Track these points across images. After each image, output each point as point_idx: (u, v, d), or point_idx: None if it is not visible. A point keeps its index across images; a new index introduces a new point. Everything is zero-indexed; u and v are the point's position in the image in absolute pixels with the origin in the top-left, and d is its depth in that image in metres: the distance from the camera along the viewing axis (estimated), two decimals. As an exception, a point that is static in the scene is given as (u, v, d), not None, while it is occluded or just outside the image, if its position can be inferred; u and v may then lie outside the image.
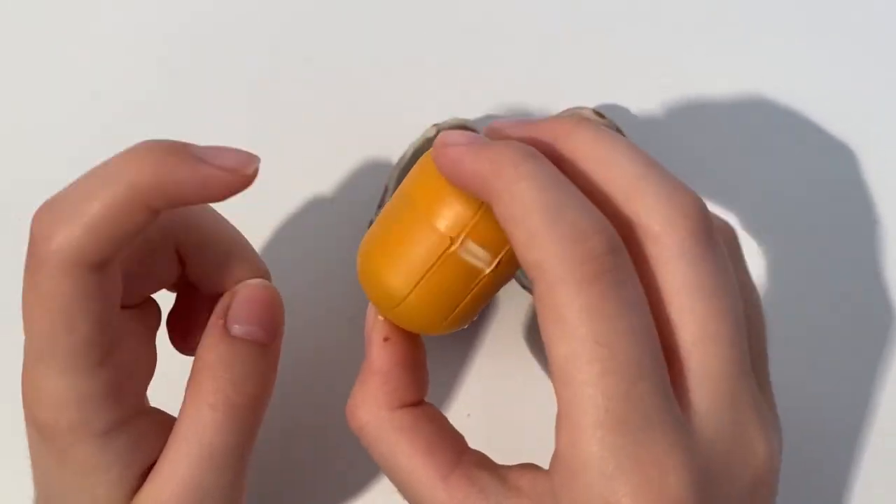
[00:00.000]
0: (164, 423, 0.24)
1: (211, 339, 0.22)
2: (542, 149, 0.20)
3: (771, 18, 0.39)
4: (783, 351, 0.34)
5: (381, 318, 0.23)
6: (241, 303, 0.22)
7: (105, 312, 0.22)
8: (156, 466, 0.23)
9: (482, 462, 0.22)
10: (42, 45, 0.41)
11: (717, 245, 0.20)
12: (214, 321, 0.23)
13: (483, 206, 0.20)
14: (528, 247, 0.18)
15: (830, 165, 0.36)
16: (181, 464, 0.22)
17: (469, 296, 0.22)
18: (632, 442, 0.17)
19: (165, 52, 0.40)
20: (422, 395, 0.23)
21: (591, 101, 0.36)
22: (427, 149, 0.35)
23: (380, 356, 0.23)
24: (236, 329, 0.22)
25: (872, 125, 0.37)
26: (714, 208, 0.36)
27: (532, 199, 0.18)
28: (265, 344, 0.23)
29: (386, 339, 0.23)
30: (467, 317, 0.23)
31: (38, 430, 0.23)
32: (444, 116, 0.35)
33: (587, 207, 0.18)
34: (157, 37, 0.41)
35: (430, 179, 0.21)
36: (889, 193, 0.36)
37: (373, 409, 0.22)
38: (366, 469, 0.33)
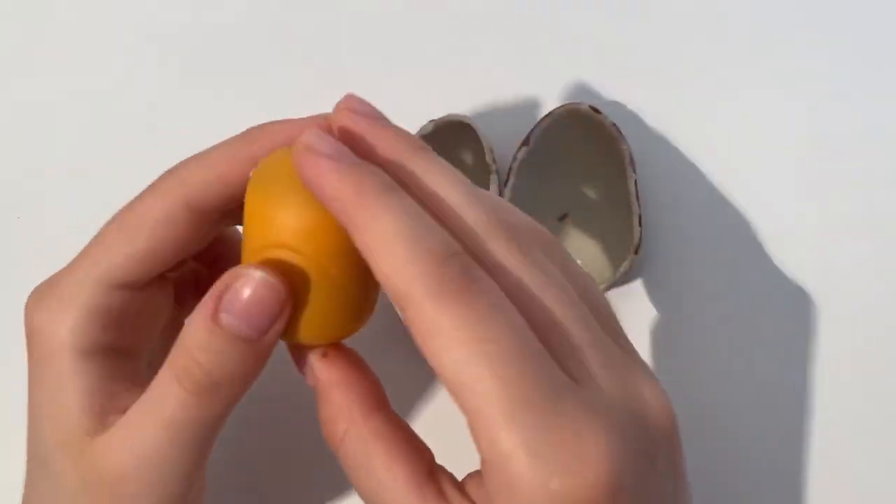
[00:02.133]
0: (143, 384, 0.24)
1: (198, 319, 0.22)
2: (389, 169, 0.21)
3: (771, 16, 0.39)
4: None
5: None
6: (236, 294, 0.21)
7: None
8: (122, 419, 0.23)
9: (450, 478, 0.22)
10: (42, 44, 0.41)
11: (532, 248, 0.21)
12: (206, 302, 0.22)
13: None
14: (394, 276, 0.19)
15: (830, 165, 0.37)
16: (146, 428, 0.23)
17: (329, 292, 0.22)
18: (542, 420, 0.18)
19: (165, 52, 0.40)
20: (385, 401, 0.23)
21: (586, 98, 0.36)
22: (424, 145, 0.35)
23: (329, 370, 0.23)
24: (224, 318, 0.22)
25: (874, 122, 0.37)
26: (710, 202, 0.36)
27: (394, 232, 0.19)
28: (251, 340, 0.22)
29: (324, 356, 0.23)
30: (355, 309, 0.23)
31: (29, 346, 0.25)
32: (440, 112, 0.35)
33: (439, 233, 0.19)
34: (157, 37, 0.41)
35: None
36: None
37: (348, 417, 0.22)
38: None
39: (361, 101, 0.24)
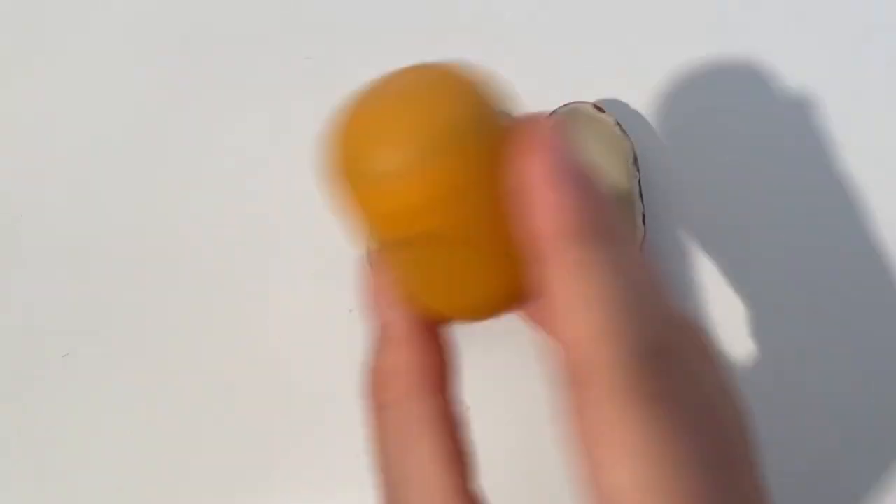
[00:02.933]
0: None
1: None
2: None
3: (771, 17, 0.39)
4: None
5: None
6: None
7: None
8: None
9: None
10: (41, 45, 0.41)
11: None
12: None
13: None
14: (591, 343, 0.16)
15: (831, 165, 0.36)
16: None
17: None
18: None
19: (165, 52, 0.40)
20: (454, 387, 0.20)
21: (590, 96, 0.36)
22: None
23: (411, 320, 0.19)
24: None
25: (874, 122, 0.37)
26: (714, 200, 0.36)
27: (611, 296, 0.16)
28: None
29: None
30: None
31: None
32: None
33: (654, 310, 0.16)
34: (157, 37, 0.41)
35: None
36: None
37: (409, 382, 0.19)
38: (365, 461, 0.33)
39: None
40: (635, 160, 0.34)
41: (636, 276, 0.16)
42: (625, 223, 0.18)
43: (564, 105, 0.34)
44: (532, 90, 0.38)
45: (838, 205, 0.36)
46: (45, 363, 0.35)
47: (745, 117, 0.37)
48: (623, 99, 0.37)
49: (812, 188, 0.36)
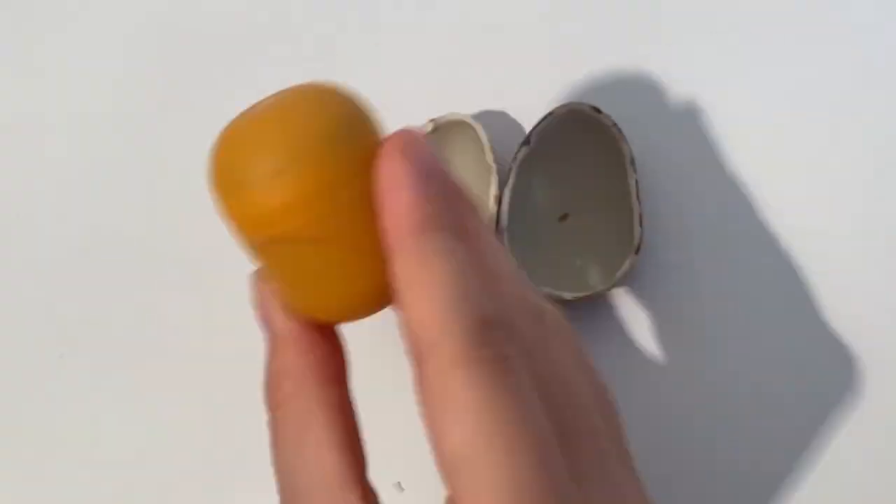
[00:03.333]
0: None
1: None
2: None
3: (771, 17, 0.39)
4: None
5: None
6: None
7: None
8: None
9: (376, 499, 0.20)
10: (40, 45, 0.41)
11: (558, 338, 0.20)
12: None
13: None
14: (427, 319, 0.17)
15: (831, 165, 0.36)
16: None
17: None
18: None
19: (164, 54, 0.40)
20: (345, 380, 0.21)
21: (587, 98, 0.36)
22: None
23: (292, 320, 0.20)
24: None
25: (875, 124, 0.37)
26: (711, 202, 0.36)
27: (449, 277, 0.17)
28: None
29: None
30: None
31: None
32: (440, 112, 0.35)
33: (494, 300, 0.18)
34: (157, 38, 0.41)
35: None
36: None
37: (298, 379, 0.20)
38: (368, 457, 0.33)
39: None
40: (633, 162, 0.34)
41: (475, 263, 0.18)
42: (476, 217, 0.20)
43: (562, 106, 0.35)
44: (531, 89, 0.38)
45: (838, 206, 0.36)
46: (41, 363, 0.35)
47: (744, 119, 0.37)
48: (621, 100, 0.37)
49: (812, 189, 0.36)
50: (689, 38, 0.39)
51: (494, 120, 0.37)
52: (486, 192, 0.34)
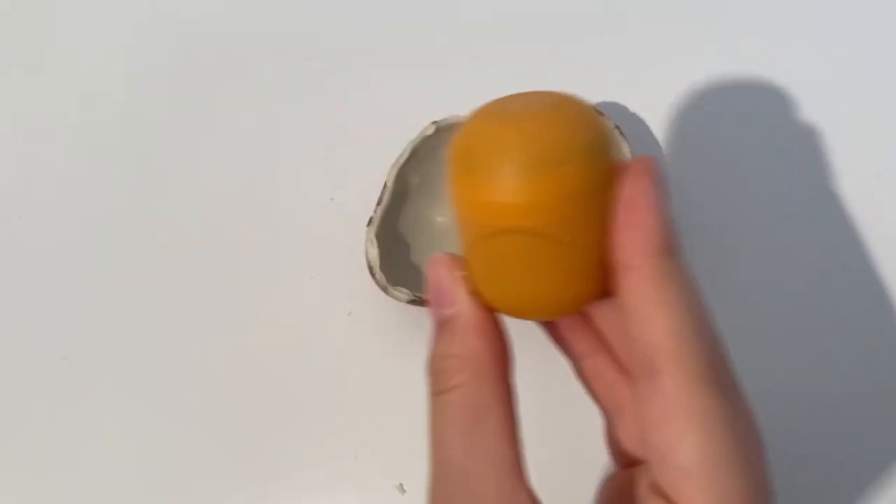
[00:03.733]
0: None
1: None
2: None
3: (771, 19, 0.39)
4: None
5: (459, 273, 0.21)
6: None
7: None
8: None
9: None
10: (39, 47, 0.41)
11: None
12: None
13: None
14: (667, 339, 0.19)
15: (831, 167, 0.37)
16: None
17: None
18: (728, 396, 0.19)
19: (165, 53, 0.40)
20: (513, 379, 0.21)
21: (589, 99, 0.36)
22: (426, 147, 0.35)
23: (480, 310, 0.21)
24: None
25: (876, 126, 0.37)
26: (713, 204, 0.36)
27: (689, 308, 0.19)
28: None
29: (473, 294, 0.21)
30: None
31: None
32: (442, 114, 0.35)
33: (714, 333, 0.20)
34: (157, 39, 0.41)
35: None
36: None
37: (478, 368, 0.20)
38: (370, 459, 0.33)
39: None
40: (634, 164, 0.34)
41: (701, 293, 0.20)
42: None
43: (564, 108, 0.35)
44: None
45: (837, 207, 0.36)
46: (43, 365, 0.35)
47: (744, 121, 0.37)
48: (622, 102, 0.37)
49: (811, 191, 0.36)
50: (691, 40, 0.39)
51: (496, 122, 0.37)
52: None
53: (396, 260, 0.34)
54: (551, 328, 0.24)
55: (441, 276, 0.22)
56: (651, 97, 0.37)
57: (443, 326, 0.21)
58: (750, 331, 0.34)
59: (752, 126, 0.37)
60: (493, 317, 0.21)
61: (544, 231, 0.19)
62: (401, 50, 0.39)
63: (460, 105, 0.37)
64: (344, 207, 0.37)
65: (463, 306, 0.21)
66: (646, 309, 0.19)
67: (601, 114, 0.34)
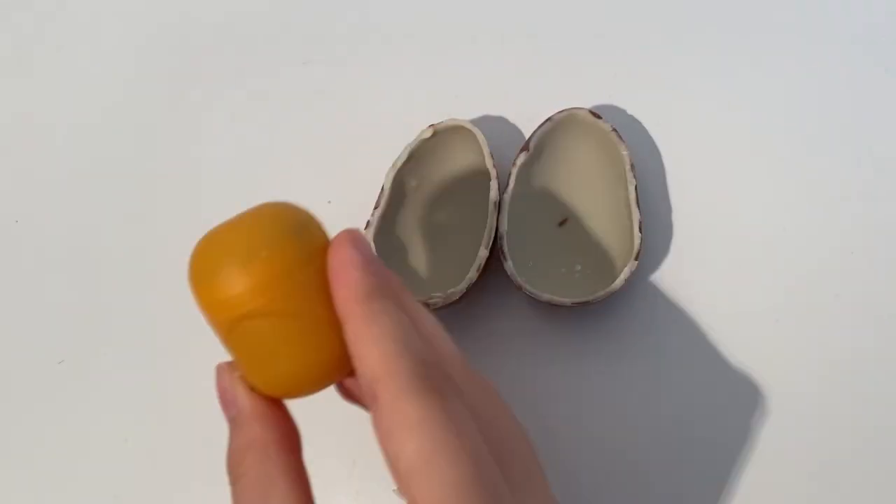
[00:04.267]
0: None
1: None
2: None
3: (771, 21, 0.39)
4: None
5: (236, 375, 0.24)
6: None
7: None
8: None
9: None
10: (38, 48, 0.41)
11: (480, 387, 0.24)
12: None
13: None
14: (379, 361, 0.21)
15: (831, 171, 0.37)
16: None
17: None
18: None
19: (162, 58, 0.40)
20: (300, 449, 0.24)
21: (587, 102, 0.36)
22: (423, 150, 0.35)
23: (255, 400, 0.23)
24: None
25: (877, 128, 0.37)
26: (711, 208, 0.36)
27: (393, 331, 0.21)
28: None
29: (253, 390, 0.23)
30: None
31: None
32: (440, 118, 0.35)
33: (427, 347, 0.22)
34: (155, 42, 0.41)
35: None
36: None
37: (262, 450, 0.22)
38: (368, 464, 0.33)
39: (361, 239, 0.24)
40: (632, 167, 0.34)
41: (413, 323, 0.22)
42: (410, 297, 0.24)
43: (561, 111, 0.35)
44: (529, 95, 0.38)
45: (839, 212, 0.36)
46: (40, 370, 0.35)
47: (743, 122, 0.37)
48: (620, 105, 0.37)
49: (810, 192, 0.36)
50: (689, 44, 0.39)
51: (494, 125, 0.37)
52: (486, 198, 0.34)
53: (394, 263, 0.34)
54: (343, 392, 0.27)
55: (222, 381, 0.24)
56: (648, 100, 0.37)
57: (232, 425, 0.24)
58: (746, 328, 0.34)
59: (752, 126, 0.37)
60: (274, 404, 0.24)
61: (272, 309, 0.22)
62: (398, 54, 0.39)
63: (457, 108, 0.37)
64: (341, 211, 0.36)
65: (242, 401, 0.23)
66: (360, 346, 0.21)
67: (600, 116, 0.34)
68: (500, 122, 0.37)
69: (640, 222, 0.33)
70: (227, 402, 0.24)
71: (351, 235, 0.23)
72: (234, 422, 0.24)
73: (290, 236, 0.22)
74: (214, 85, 0.39)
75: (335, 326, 0.22)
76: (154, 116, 0.39)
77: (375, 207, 0.34)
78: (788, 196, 0.36)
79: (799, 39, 0.39)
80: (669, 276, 0.35)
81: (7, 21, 0.42)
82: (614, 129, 0.34)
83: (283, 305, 0.22)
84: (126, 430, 0.34)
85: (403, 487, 0.20)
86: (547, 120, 0.34)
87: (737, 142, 0.37)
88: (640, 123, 0.37)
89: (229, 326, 0.22)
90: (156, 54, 0.40)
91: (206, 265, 0.22)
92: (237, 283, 0.21)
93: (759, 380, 0.34)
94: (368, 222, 0.33)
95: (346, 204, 0.37)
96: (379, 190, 0.34)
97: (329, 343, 0.22)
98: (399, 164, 0.34)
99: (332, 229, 0.36)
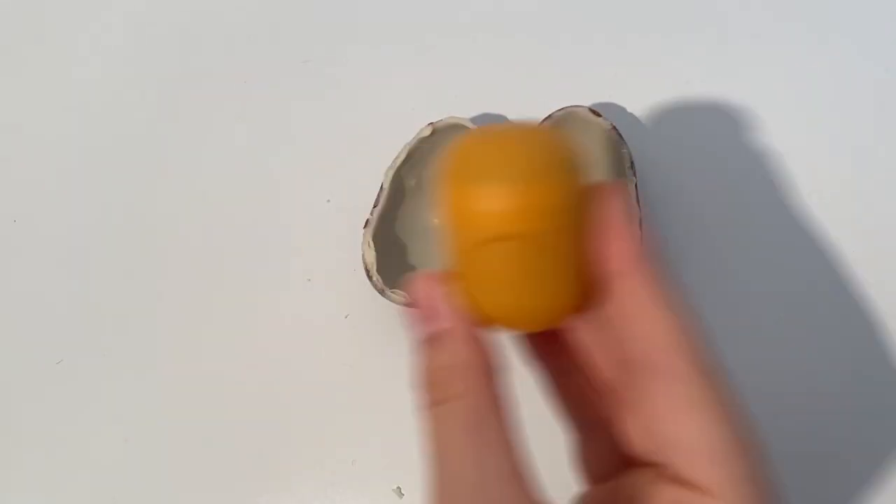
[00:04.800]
0: None
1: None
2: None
3: (770, 18, 0.39)
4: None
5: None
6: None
7: None
8: None
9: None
10: (36, 46, 0.41)
11: None
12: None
13: None
14: (668, 334, 0.21)
15: (830, 167, 0.36)
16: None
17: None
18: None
19: (161, 56, 0.40)
20: (502, 383, 0.22)
21: (587, 100, 0.36)
22: (423, 148, 0.35)
23: (465, 321, 0.21)
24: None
25: (876, 124, 0.37)
26: (711, 205, 0.36)
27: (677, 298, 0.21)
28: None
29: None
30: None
31: None
32: (439, 116, 0.35)
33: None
34: (154, 40, 0.41)
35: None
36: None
37: (474, 378, 0.20)
38: (368, 462, 0.33)
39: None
40: (632, 165, 0.34)
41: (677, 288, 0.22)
42: None
43: (561, 109, 0.34)
44: (529, 93, 0.38)
45: (838, 209, 0.36)
46: (39, 370, 0.35)
47: (742, 121, 0.37)
48: (620, 103, 0.37)
49: (812, 191, 0.36)
50: (689, 40, 0.39)
51: (494, 123, 0.37)
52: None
53: (393, 262, 0.34)
54: (532, 343, 0.25)
55: (428, 292, 0.22)
56: (648, 98, 0.37)
57: (433, 341, 0.22)
58: (747, 325, 0.34)
59: (751, 125, 0.37)
60: (481, 330, 0.22)
61: (534, 238, 0.20)
62: (397, 52, 0.39)
63: (457, 106, 0.37)
64: (340, 210, 0.37)
65: (456, 319, 0.22)
66: (643, 308, 0.21)
67: (600, 114, 0.34)
68: (500, 120, 0.37)
69: (640, 220, 0.33)
70: (430, 314, 0.22)
71: (623, 189, 0.22)
72: (435, 339, 0.22)
73: (572, 172, 0.21)
74: (212, 83, 0.39)
75: (583, 272, 0.21)
76: (152, 116, 0.39)
77: (374, 206, 0.34)
78: (788, 194, 0.36)
79: (800, 38, 0.39)
80: (668, 271, 0.35)
81: (3, 19, 0.42)
82: (614, 127, 0.34)
83: (546, 239, 0.20)
84: (126, 430, 0.34)
85: (690, 467, 0.20)
86: (547, 118, 0.34)
87: (736, 140, 0.37)
88: (639, 121, 0.37)
89: (481, 241, 0.21)
90: (154, 53, 0.40)
91: (477, 169, 0.21)
92: (510, 202, 0.20)
93: (759, 377, 0.34)
94: (367, 221, 0.33)
95: (345, 202, 0.37)
96: (378, 189, 0.34)
97: (575, 287, 0.21)
98: (398, 162, 0.34)
99: (332, 228, 0.36)
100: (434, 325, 0.22)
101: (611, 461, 0.23)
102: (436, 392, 0.21)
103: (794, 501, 0.31)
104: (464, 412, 0.20)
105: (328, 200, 0.37)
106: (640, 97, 0.37)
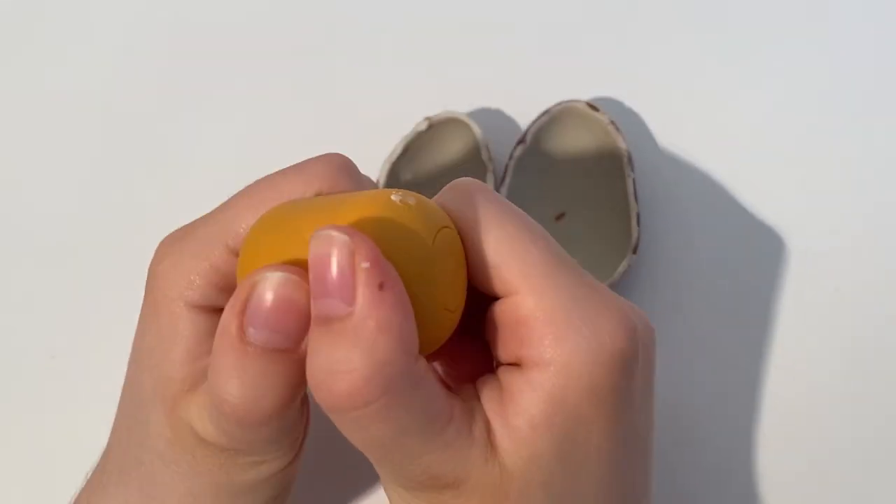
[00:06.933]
0: None
1: (223, 345, 0.19)
2: None
3: (769, 14, 0.39)
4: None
5: (365, 265, 0.18)
6: (259, 301, 0.19)
7: None
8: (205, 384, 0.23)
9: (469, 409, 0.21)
10: (37, 46, 0.41)
11: None
12: (228, 321, 0.19)
13: None
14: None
15: (829, 163, 0.36)
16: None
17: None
18: (580, 283, 0.21)
19: (161, 51, 0.40)
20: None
21: (584, 94, 0.36)
22: (419, 142, 0.34)
23: (381, 303, 0.18)
24: (252, 334, 0.19)
25: (874, 119, 0.37)
26: (709, 201, 0.36)
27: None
28: (288, 351, 0.19)
29: (381, 287, 0.18)
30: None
31: (147, 293, 0.26)
32: (435, 110, 0.35)
33: None
34: (151, 38, 0.40)
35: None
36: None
37: (397, 355, 0.18)
38: (367, 462, 0.33)
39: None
40: (630, 160, 0.33)
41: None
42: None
43: (558, 104, 0.34)
44: (526, 88, 0.38)
45: (838, 204, 0.36)
46: (32, 365, 0.35)
47: (741, 117, 0.37)
48: (618, 98, 0.37)
49: (811, 189, 0.36)
50: (688, 36, 0.39)
51: (490, 118, 0.37)
52: (482, 191, 0.34)
53: (389, 257, 0.33)
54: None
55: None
56: (647, 92, 0.37)
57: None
58: (745, 321, 0.34)
59: (751, 119, 0.37)
60: None
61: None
62: (393, 46, 0.39)
63: (454, 101, 0.37)
64: (336, 204, 0.36)
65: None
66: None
67: (598, 109, 0.34)
68: (497, 114, 0.37)
69: (638, 215, 0.33)
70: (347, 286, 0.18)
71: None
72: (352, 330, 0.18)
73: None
74: (208, 79, 0.39)
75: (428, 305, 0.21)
76: (149, 114, 0.39)
77: (370, 201, 0.33)
78: (788, 189, 0.36)
79: (799, 33, 0.38)
80: (668, 270, 0.35)
81: (5, 20, 0.41)
82: (612, 122, 0.34)
83: None
84: (119, 426, 0.34)
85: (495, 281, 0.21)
86: (544, 112, 0.34)
87: (736, 134, 0.37)
88: (638, 116, 0.37)
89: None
90: (151, 51, 0.40)
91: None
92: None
93: (758, 373, 0.33)
94: (363, 216, 0.33)
95: (340, 197, 0.36)
96: (374, 183, 0.34)
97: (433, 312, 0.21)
98: (394, 157, 0.34)
99: (327, 223, 0.36)
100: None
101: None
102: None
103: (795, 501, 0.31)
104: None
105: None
106: (638, 91, 0.37)
